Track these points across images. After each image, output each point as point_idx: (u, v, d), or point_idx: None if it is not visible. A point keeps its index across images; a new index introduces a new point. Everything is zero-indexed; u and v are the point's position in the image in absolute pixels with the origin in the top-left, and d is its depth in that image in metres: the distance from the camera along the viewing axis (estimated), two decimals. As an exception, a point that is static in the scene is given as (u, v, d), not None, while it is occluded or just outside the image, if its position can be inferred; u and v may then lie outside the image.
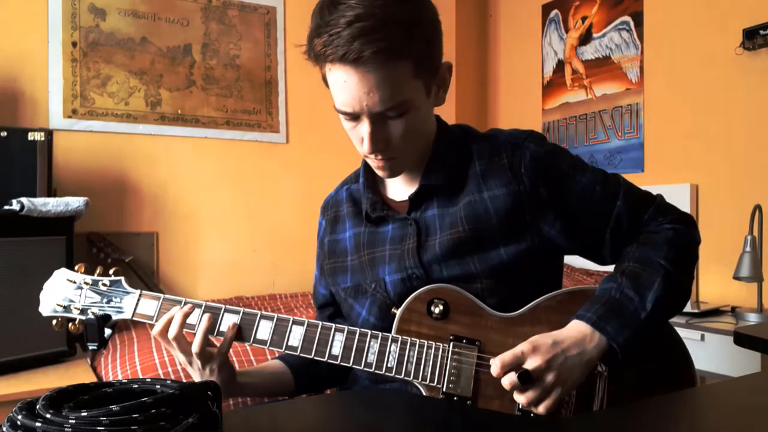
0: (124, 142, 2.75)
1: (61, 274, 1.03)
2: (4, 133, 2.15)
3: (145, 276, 2.62)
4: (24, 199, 1.92)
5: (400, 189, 1.06)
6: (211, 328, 0.97)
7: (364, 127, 0.91)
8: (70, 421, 0.51)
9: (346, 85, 0.87)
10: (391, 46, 0.84)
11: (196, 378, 0.99)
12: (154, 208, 2.81)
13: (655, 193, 1.05)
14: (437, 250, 0.98)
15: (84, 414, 0.51)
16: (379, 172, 1.01)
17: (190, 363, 0.98)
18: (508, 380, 0.85)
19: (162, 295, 1.00)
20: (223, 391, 0.99)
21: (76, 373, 1.95)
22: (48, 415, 0.52)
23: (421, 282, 0.98)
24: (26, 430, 0.51)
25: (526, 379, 0.83)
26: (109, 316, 1.00)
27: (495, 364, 0.85)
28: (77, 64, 2.66)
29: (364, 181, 1.08)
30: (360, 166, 1.12)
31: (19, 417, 0.52)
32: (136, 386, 0.59)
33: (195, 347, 0.95)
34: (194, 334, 0.96)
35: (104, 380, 1.99)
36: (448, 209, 1.00)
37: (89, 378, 1.92)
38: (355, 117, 0.92)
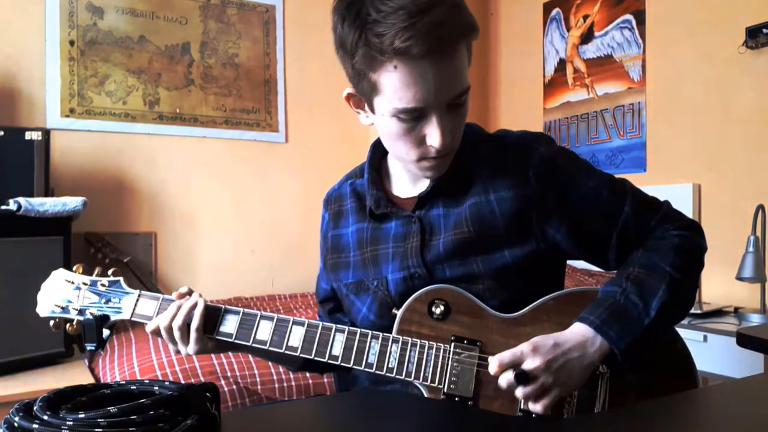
0: (122, 141, 2.75)
1: (59, 275, 1.03)
2: (1, 133, 2.14)
3: (144, 276, 2.61)
4: (21, 199, 1.91)
5: (405, 186, 1.05)
6: (210, 327, 0.96)
7: (432, 123, 0.86)
8: (68, 423, 0.50)
9: (422, 79, 0.82)
10: (464, 29, 0.83)
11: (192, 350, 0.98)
12: (152, 208, 2.81)
13: (657, 193, 1.04)
14: (441, 249, 0.97)
15: (81, 416, 0.51)
16: (428, 173, 0.96)
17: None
18: (505, 379, 0.84)
19: (161, 296, 1.00)
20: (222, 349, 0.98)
21: (73, 375, 1.94)
22: (45, 417, 0.51)
23: (423, 281, 0.97)
24: (22, 433, 0.50)
25: (523, 379, 0.83)
26: (107, 317, 0.99)
27: (493, 363, 0.85)
28: (75, 63, 2.65)
29: (369, 177, 1.06)
30: (365, 160, 1.10)
31: (16, 419, 0.51)
32: (135, 388, 0.59)
33: (191, 349, 0.96)
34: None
35: (102, 382, 1.99)
36: (453, 209, 0.99)
37: (87, 379, 1.91)
38: (419, 115, 0.86)
